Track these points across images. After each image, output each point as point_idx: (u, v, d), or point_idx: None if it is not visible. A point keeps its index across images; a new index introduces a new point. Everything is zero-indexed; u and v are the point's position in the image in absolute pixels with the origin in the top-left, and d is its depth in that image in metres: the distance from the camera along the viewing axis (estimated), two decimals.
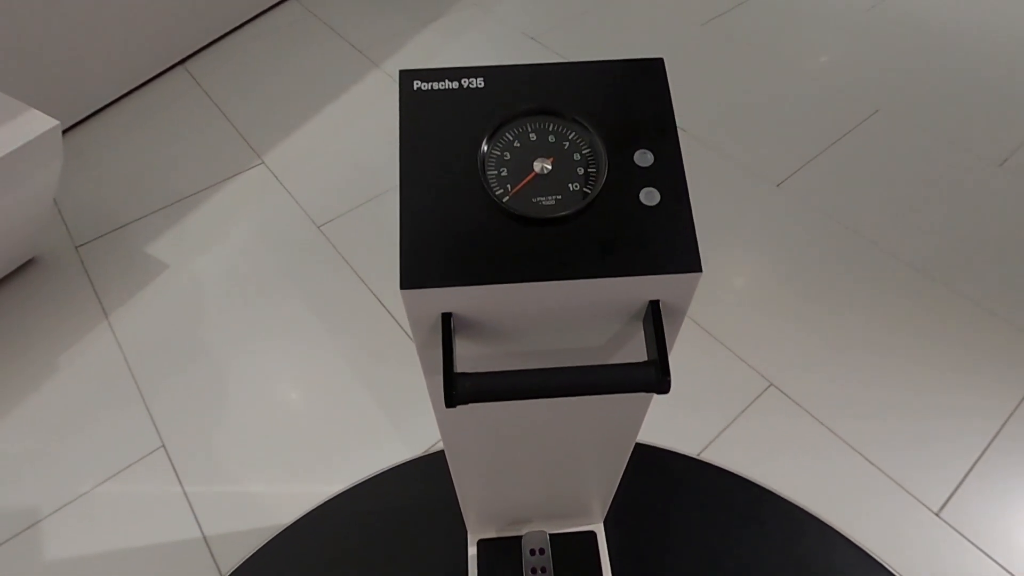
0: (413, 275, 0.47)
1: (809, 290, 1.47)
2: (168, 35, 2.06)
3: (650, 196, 0.50)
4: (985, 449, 1.21)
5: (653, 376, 0.49)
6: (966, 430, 1.24)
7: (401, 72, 0.54)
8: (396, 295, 1.50)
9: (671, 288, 0.50)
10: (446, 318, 0.50)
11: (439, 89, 0.54)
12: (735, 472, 1.19)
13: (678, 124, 1.86)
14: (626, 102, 0.53)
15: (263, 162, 1.82)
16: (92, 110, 1.97)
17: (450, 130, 0.52)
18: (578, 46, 2.13)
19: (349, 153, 1.84)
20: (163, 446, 1.27)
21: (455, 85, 0.54)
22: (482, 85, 0.54)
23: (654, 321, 0.51)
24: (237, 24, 2.28)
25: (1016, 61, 2.00)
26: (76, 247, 1.63)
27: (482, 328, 0.53)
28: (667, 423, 1.27)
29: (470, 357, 0.57)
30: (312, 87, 2.05)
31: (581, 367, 0.49)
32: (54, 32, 1.77)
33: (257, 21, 2.33)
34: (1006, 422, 1.25)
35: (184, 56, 2.16)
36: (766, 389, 1.31)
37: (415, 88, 0.54)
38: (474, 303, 0.50)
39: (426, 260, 0.48)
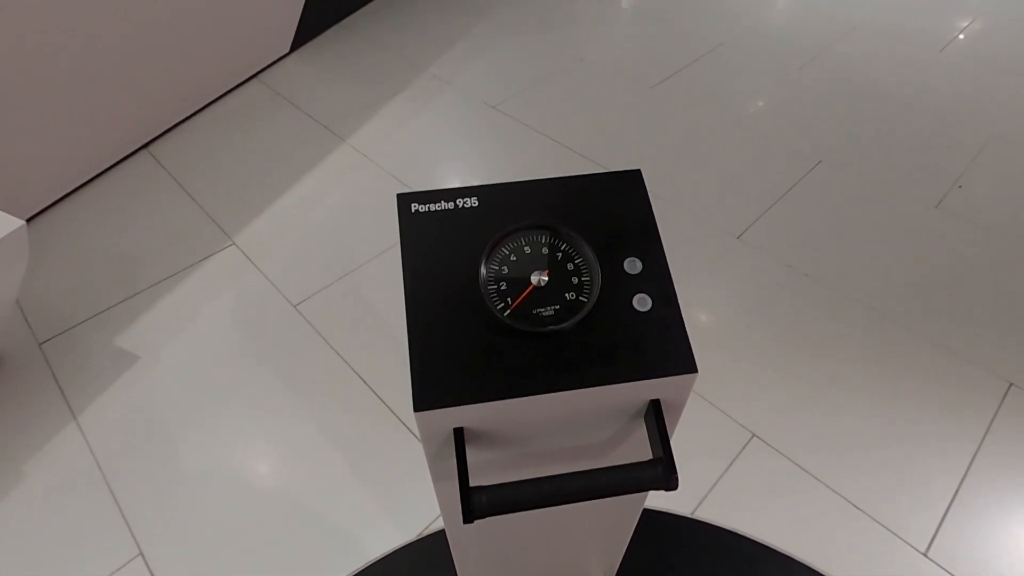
0: (426, 397, 0.49)
1: (778, 337, 1.53)
2: (130, 119, 2.07)
3: (642, 302, 0.54)
4: (960, 483, 1.27)
5: (661, 475, 0.51)
6: (941, 463, 1.29)
7: (399, 196, 0.57)
8: (378, 372, 1.49)
9: (669, 388, 0.53)
10: (458, 432, 0.52)
11: (436, 210, 0.57)
12: (730, 529, 1.20)
13: None
14: (612, 213, 0.57)
15: (234, 243, 1.82)
16: (53, 199, 1.94)
17: (449, 250, 0.55)
18: (538, 113, 2.24)
19: (321, 229, 1.85)
20: (141, 554, 1.20)
21: (451, 205, 0.57)
22: (476, 204, 0.57)
23: (656, 419, 0.53)
24: (201, 106, 2.31)
25: (936, 109, 2.20)
26: (39, 344, 1.57)
27: (492, 436, 0.55)
28: None
29: (480, 462, 0.58)
30: (280, 164, 2.08)
31: (591, 472, 0.51)
32: (11, 121, 1.75)
33: (221, 102, 2.36)
34: (975, 455, 1.31)
35: (147, 140, 2.17)
36: (749, 441, 1.34)
37: (413, 211, 0.57)
38: (485, 416, 0.51)
39: (437, 381, 0.50)
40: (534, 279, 0.54)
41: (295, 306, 1.64)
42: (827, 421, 1.37)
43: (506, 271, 0.55)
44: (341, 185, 1.99)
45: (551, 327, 0.52)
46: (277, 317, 1.61)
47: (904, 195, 1.89)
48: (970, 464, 1.30)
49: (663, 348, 0.52)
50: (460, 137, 2.17)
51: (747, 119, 2.19)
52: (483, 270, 0.54)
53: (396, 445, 1.35)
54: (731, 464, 1.30)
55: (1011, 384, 1.42)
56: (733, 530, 1.20)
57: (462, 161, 2.08)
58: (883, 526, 1.21)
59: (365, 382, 1.47)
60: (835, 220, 1.82)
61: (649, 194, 1.93)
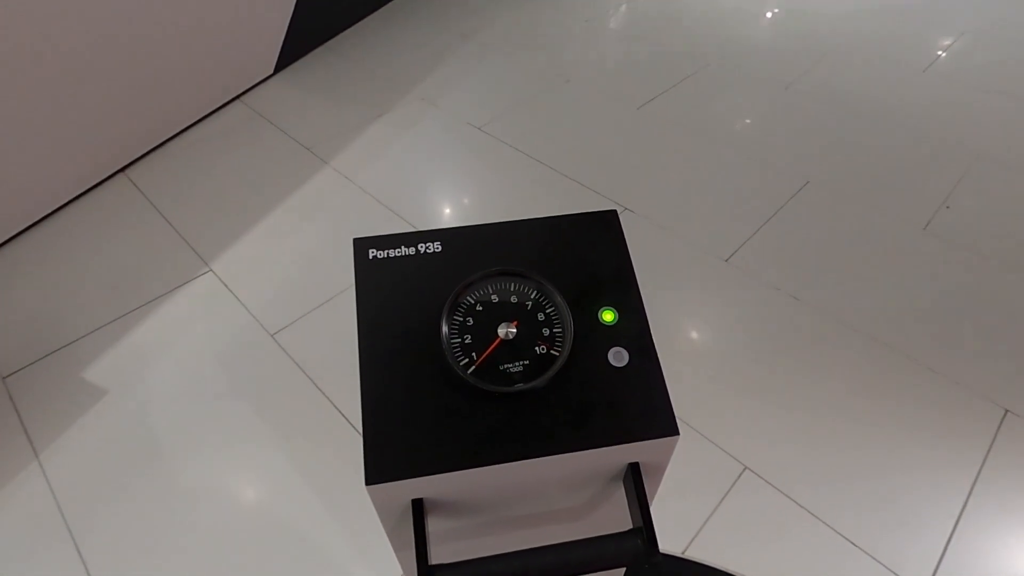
0: (379, 469, 0.44)
1: (768, 363, 1.49)
2: (108, 142, 2.02)
3: (618, 356, 0.49)
4: (959, 515, 1.23)
5: (641, 548, 0.47)
6: (939, 495, 1.25)
7: (355, 241, 0.53)
8: (356, 404, 1.43)
9: (649, 451, 0.48)
10: (417, 504, 0.47)
11: (396, 256, 0.53)
12: (723, 569, 1.15)
13: (626, 206, 1.92)
14: (585, 257, 0.54)
15: (211, 270, 1.76)
16: (25, 225, 1.88)
17: (410, 301, 0.51)
18: (524, 134, 2.21)
19: (300, 254, 1.81)
20: None
21: (412, 251, 0.53)
22: (439, 249, 0.53)
23: (635, 484, 0.49)
24: (181, 128, 2.27)
25: (921, 129, 2.19)
26: (3, 378, 1.50)
27: (456, 505, 0.50)
28: None
29: (443, 531, 0.53)
30: (260, 188, 2.03)
31: (563, 546, 0.47)
32: None
33: (202, 124, 2.32)
34: (973, 486, 1.27)
35: (125, 163, 2.12)
36: (741, 473, 1.30)
37: (371, 257, 0.52)
38: (447, 486, 0.47)
39: (393, 450, 0.45)
40: (501, 331, 0.50)
41: (272, 335, 1.59)
42: (820, 451, 1.33)
43: (471, 322, 0.50)
44: (323, 209, 1.95)
45: (519, 386, 0.48)
46: (254, 347, 1.56)
47: (892, 216, 1.87)
48: (968, 495, 1.26)
49: (642, 408, 0.47)
50: (445, 159, 2.14)
51: (734, 139, 2.18)
52: (445, 323, 0.49)
53: None
54: (723, 499, 1.26)
55: (1007, 411, 1.39)
56: (726, 570, 1.15)
57: (447, 183, 2.04)
58: (881, 564, 1.16)
59: (343, 415, 1.41)
60: (824, 242, 1.80)
61: (636, 215, 1.90)
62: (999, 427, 1.37)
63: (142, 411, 1.43)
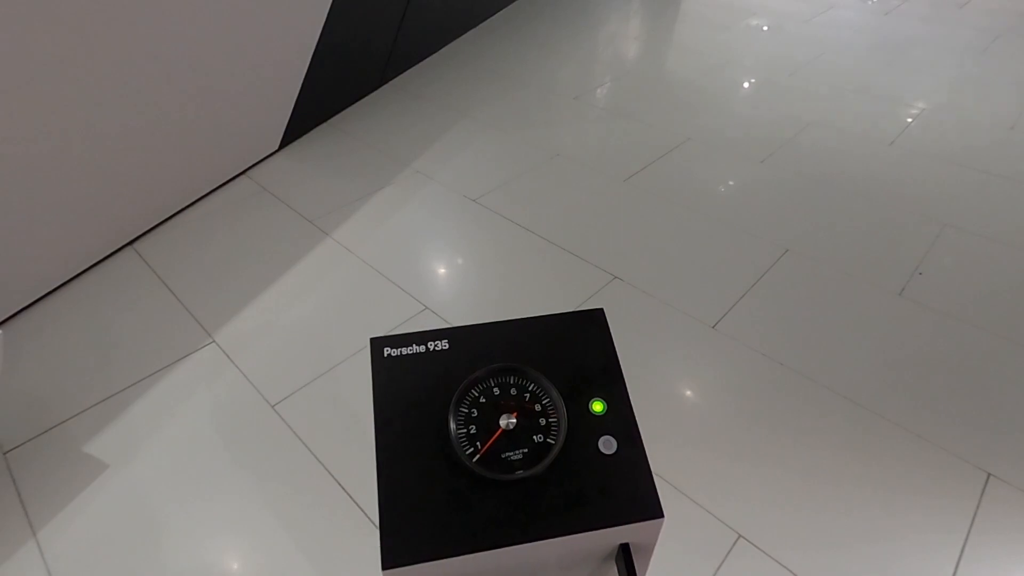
0: (395, 554, 0.49)
1: (758, 428, 1.54)
2: (117, 217, 2.11)
3: (608, 444, 0.55)
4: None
5: None
6: (930, 562, 1.27)
7: (372, 340, 0.59)
8: (355, 476, 1.45)
9: (637, 533, 0.53)
10: None
11: (408, 354, 0.59)
12: None
13: (615, 275, 2.01)
14: (576, 353, 0.60)
15: (214, 341, 1.81)
16: (30, 300, 1.94)
17: (420, 395, 0.56)
18: (517, 205, 2.33)
19: (302, 325, 1.86)
20: None
21: (422, 348, 0.59)
22: (447, 347, 0.60)
23: (626, 563, 0.54)
24: (189, 202, 2.37)
25: (890, 199, 2.33)
26: (4, 453, 1.52)
27: None
28: None
29: None
30: (264, 260, 2.11)
31: None
32: None
33: (209, 198, 2.43)
34: (962, 553, 1.29)
35: (133, 237, 2.20)
36: (736, 542, 1.32)
37: (385, 355, 0.59)
38: (456, 568, 0.51)
39: (407, 536, 0.50)
40: (503, 422, 0.56)
41: (273, 406, 1.62)
42: (812, 517, 1.36)
43: (476, 414, 0.56)
44: (324, 280, 2.03)
45: (520, 473, 0.53)
46: (254, 419, 1.59)
47: (868, 283, 1.96)
48: (958, 562, 1.28)
49: (629, 493, 0.53)
50: (442, 230, 2.24)
51: (715, 210, 2.30)
52: (452, 416, 0.55)
53: (374, 554, 1.30)
54: (717, 570, 1.27)
55: (989, 475, 1.43)
56: None
57: (444, 254, 2.13)
58: None
59: (343, 487, 1.43)
60: (805, 308, 1.88)
61: (624, 283, 1.98)
62: (983, 491, 1.40)
63: (142, 486, 1.44)
